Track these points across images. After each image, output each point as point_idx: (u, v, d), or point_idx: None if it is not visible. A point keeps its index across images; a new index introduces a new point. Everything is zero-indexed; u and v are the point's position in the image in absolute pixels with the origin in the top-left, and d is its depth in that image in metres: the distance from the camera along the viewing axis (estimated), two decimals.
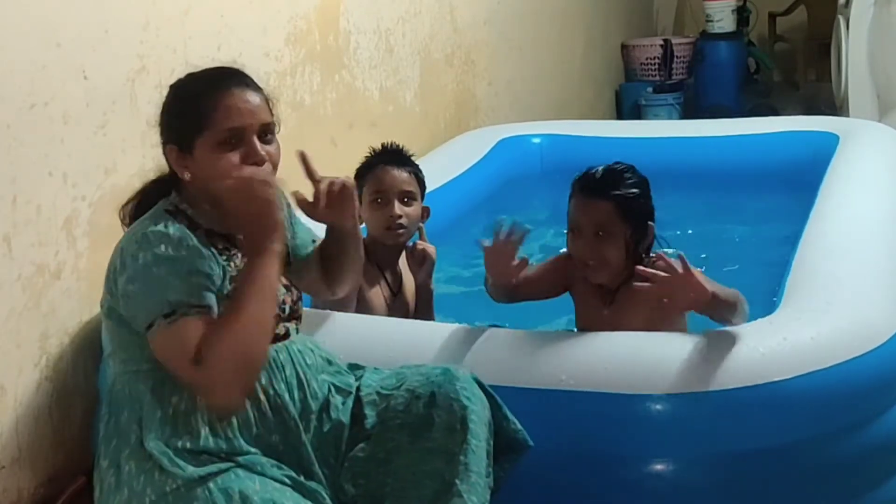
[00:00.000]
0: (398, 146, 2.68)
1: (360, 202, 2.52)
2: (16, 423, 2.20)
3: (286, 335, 1.89)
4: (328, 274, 2.07)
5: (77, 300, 2.34)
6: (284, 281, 1.93)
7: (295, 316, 1.94)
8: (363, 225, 2.54)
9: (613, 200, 2.11)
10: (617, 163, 2.20)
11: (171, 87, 1.88)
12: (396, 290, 2.63)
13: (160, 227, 1.74)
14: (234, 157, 1.78)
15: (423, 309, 2.67)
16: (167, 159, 1.85)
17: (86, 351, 2.33)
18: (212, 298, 1.73)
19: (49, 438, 2.28)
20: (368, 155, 2.65)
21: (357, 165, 2.64)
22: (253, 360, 1.70)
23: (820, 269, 2.41)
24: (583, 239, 2.15)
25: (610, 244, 2.13)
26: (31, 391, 2.24)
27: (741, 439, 1.95)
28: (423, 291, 2.67)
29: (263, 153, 1.80)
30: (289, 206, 2.00)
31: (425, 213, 2.66)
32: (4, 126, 2.14)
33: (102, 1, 2.44)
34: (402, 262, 2.68)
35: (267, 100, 1.87)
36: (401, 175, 2.58)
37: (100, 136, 2.42)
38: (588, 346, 2.07)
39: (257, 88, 1.86)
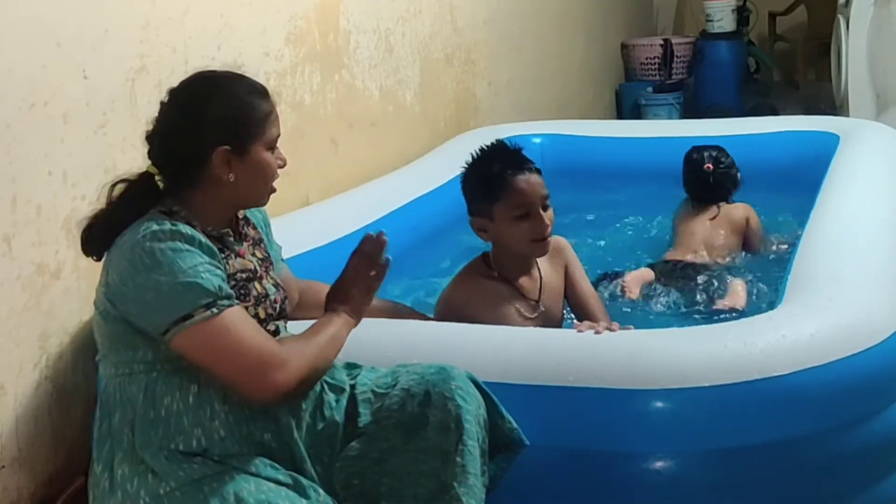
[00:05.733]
0: (514, 146, 2.41)
1: (492, 219, 2.33)
2: (15, 423, 2.20)
3: (276, 333, 1.90)
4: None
5: (77, 300, 2.34)
6: (276, 279, 1.96)
7: (283, 315, 1.95)
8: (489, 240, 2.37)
9: None
10: None
11: (214, 85, 1.85)
12: (537, 297, 2.42)
13: (166, 225, 1.73)
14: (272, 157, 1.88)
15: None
16: (201, 159, 1.80)
17: (85, 350, 2.32)
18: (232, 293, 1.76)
19: (49, 438, 2.28)
20: (481, 159, 2.38)
21: (357, 166, 2.61)
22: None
23: (821, 268, 2.41)
24: None
25: None
26: (31, 391, 2.23)
27: (739, 435, 1.95)
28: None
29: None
30: (266, 220, 2.08)
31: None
32: (4, 126, 2.14)
33: (102, 1, 2.44)
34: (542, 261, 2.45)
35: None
36: (539, 180, 2.34)
37: (100, 135, 2.42)
38: (586, 342, 2.07)
39: None
